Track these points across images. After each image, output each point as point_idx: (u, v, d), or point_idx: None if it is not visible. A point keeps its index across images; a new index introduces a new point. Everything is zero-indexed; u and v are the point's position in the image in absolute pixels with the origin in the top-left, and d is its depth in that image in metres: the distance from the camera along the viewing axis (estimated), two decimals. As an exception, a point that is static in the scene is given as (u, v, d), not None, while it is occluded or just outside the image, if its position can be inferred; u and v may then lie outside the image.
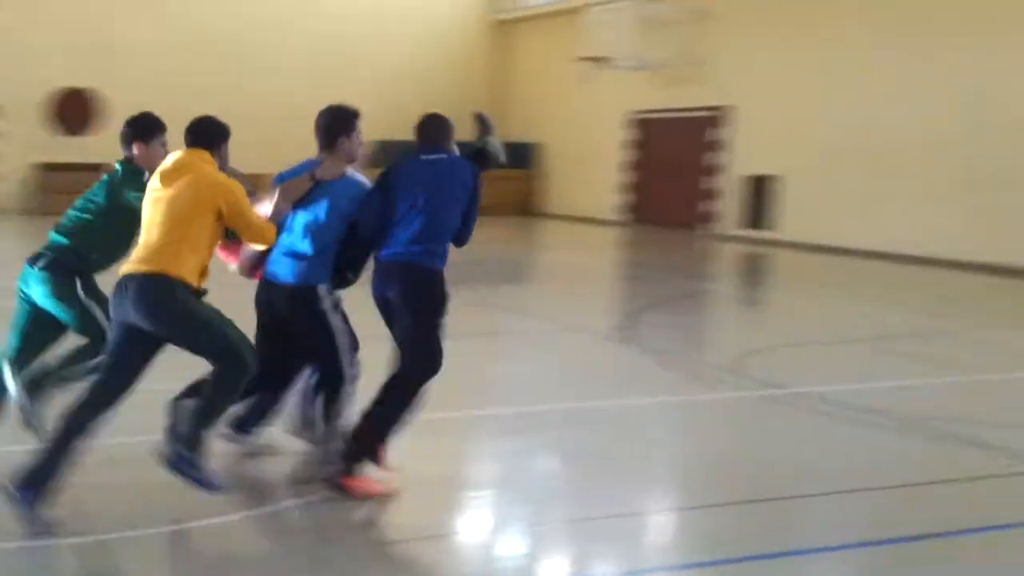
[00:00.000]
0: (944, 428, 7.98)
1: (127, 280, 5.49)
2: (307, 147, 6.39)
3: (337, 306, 6.17)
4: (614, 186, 26.59)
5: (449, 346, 6.15)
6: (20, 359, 6.30)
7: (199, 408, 5.57)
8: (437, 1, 29.44)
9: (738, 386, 9.27)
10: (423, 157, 6.25)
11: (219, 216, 5.59)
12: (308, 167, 6.16)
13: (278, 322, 6.17)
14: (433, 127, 6.35)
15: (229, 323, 5.57)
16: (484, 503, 6.30)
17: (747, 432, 7.96)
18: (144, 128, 6.27)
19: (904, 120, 19.45)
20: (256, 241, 5.83)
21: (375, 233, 6.13)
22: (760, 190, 22.66)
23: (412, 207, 6.08)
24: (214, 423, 5.66)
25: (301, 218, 6.10)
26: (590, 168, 27.36)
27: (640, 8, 23.14)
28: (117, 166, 6.28)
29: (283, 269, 6.10)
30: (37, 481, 5.29)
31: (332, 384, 6.15)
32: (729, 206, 23.48)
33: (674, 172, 24.84)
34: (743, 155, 23.06)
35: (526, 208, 28.90)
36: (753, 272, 19.88)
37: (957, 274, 17.76)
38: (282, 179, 6.20)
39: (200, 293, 5.61)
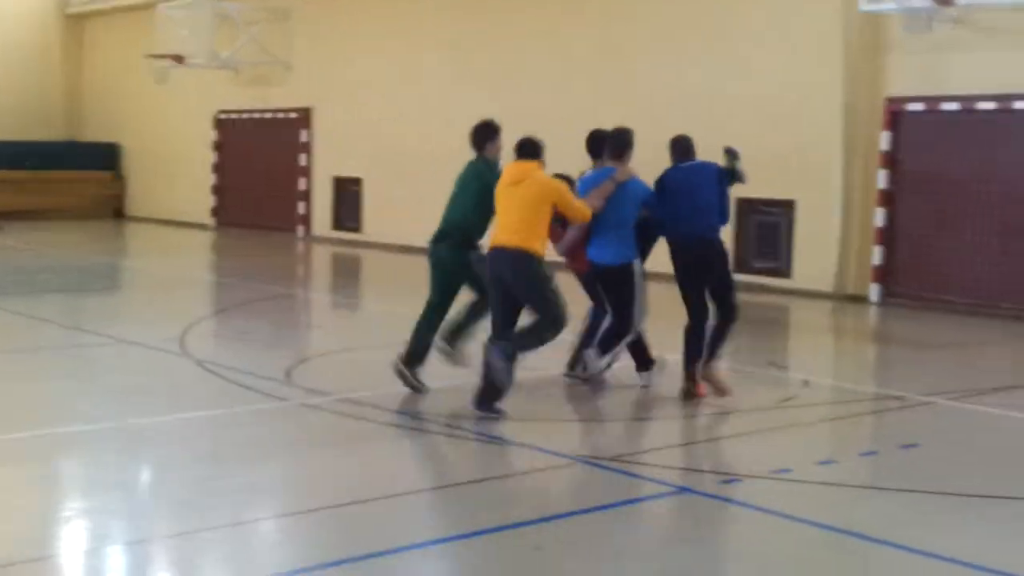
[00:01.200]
0: (483, 428, 8.12)
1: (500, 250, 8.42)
2: None
3: (644, 275, 9.01)
4: (202, 188, 25.81)
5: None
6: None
7: (518, 336, 8.38)
8: (3, -8, 27.50)
9: (282, 395, 9.06)
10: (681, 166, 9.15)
11: (553, 205, 8.43)
12: (607, 173, 8.89)
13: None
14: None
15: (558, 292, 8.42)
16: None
17: (290, 441, 7.76)
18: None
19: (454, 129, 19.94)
20: (578, 221, 8.67)
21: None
22: (345, 192, 22.70)
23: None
24: (523, 352, 8.35)
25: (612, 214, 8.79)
26: (176, 170, 26.40)
27: (216, 5, 22.51)
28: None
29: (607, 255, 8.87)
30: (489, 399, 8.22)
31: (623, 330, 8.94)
32: (317, 208, 23.35)
33: (262, 174, 24.40)
34: (327, 157, 23.00)
35: (108, 211, 27.52)
36: (336, 274, 19.83)
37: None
38: (585, 183, 9.05)
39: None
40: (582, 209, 8.60)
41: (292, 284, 18.00)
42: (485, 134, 9.16)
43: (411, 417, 8.42)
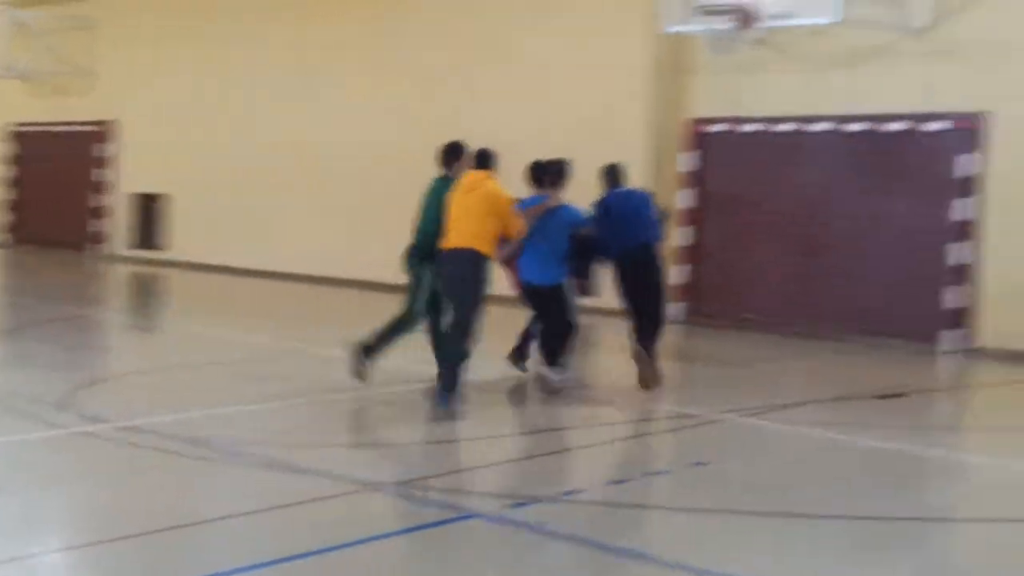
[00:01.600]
0: (272, 454, 7.78)
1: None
2: None
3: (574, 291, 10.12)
4: (-5, 204, 24.63)
5: None
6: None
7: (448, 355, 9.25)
8: None
9: (58, 423, 8.53)
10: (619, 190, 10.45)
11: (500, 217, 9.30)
12: (541, 199, 10.00)
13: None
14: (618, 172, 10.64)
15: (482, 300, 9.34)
16: None
17: (61, 472, 7.28)
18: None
19: (291, 142, 19.58)
20: (511, 236, 9.40)
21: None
22: (149, 208, 21.93)
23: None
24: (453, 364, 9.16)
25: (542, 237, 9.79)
26: (-31, 185, 25.13)
27: (11, 13, 21.49)
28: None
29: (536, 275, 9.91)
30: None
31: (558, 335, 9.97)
32: (118, 225, 22.48)
33: (59, 189, 23.38)
34: (130, 172, 22.19)
35: None
36: (136, 294, 19.10)
37: (343, 291, 18.09)
38: (522, 205, 9.77)
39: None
40: (517, 224, 9.46)
41: (88, 304, 17.22)
42: (452, 153, 9.84)
43: (194, 444, 8.01)
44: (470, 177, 9.48)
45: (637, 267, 10.25)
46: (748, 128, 14.96)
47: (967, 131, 13.25)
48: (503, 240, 9.49)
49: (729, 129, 15.14)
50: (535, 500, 6.95)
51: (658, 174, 15.51)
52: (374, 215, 18.48)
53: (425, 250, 9.62)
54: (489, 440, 8.56)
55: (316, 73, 19.32)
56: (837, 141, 14.32)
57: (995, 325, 13.08)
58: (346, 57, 19.03)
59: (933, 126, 13.51)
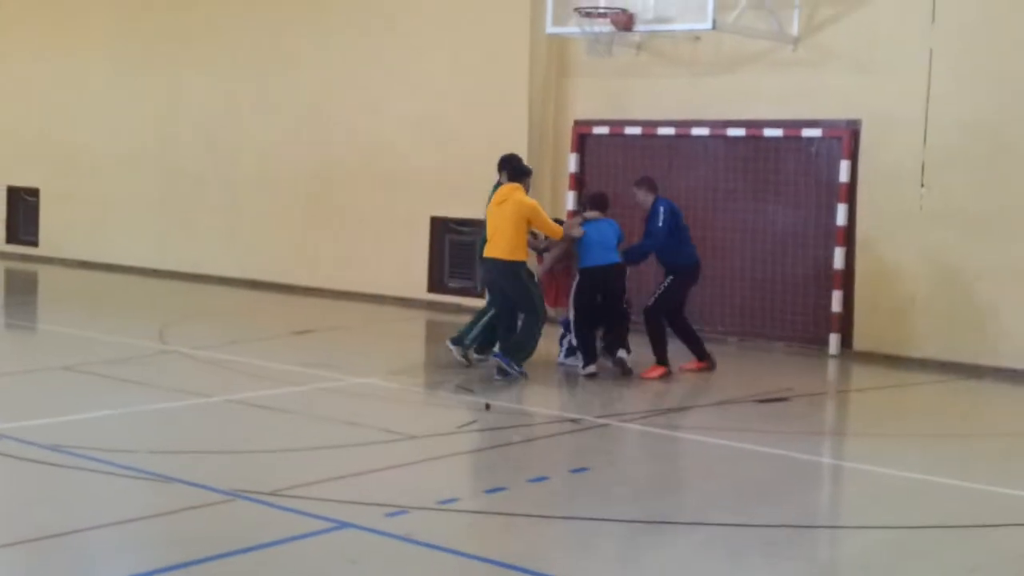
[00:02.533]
0: (141, 462, 7.51)
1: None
2: None
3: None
4: None
5: None
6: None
7: (516, 342, 10.98)
8: None
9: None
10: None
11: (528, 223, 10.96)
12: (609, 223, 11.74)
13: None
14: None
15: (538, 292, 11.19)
16: None
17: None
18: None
19: (155, 133, 19.20)
20: (552, 236, 11.29)
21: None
22: (20, 202, 21.21)
23: None
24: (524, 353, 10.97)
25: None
26: None
27: None
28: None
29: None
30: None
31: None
32: (-10, 219, 21.70)
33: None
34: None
35: None
36: (3, 291, 18.43)
37: (215, 288, 17.72)
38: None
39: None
40: (555, 227, 11.14)
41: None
42: (503, 165, 11.52)
43: (53, 451, 7.70)
44: (503, 190, 11.04)
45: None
46: (630, 131, 14.99)
47: (840, 138, 13.47)
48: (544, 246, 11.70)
49: (611, 132, 15.16)
50: (411, 508, 6.82)
51: (542, 176, 15.42)
52: (245, 211, 18.16)
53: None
54: (366, 447, 8.40)
55: (173, 56, 18.89)
56: (718, 146, 14.44)
57: (871, 330, 13.32)
58: (200, 36, 18.64)
59: (809, 132, 13.70)
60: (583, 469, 8.04)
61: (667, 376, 11.47)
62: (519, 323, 11.12)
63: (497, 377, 10.82)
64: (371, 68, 16.76)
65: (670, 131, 14.66)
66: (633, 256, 11.90)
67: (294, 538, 6.29)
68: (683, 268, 11.80)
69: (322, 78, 17.22)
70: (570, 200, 15.28)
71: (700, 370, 11.86)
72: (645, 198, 11.93)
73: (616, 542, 6.57)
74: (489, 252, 10.97)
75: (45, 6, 20.55)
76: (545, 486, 7.61)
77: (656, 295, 11.78)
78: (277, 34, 17.80)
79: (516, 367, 10.88)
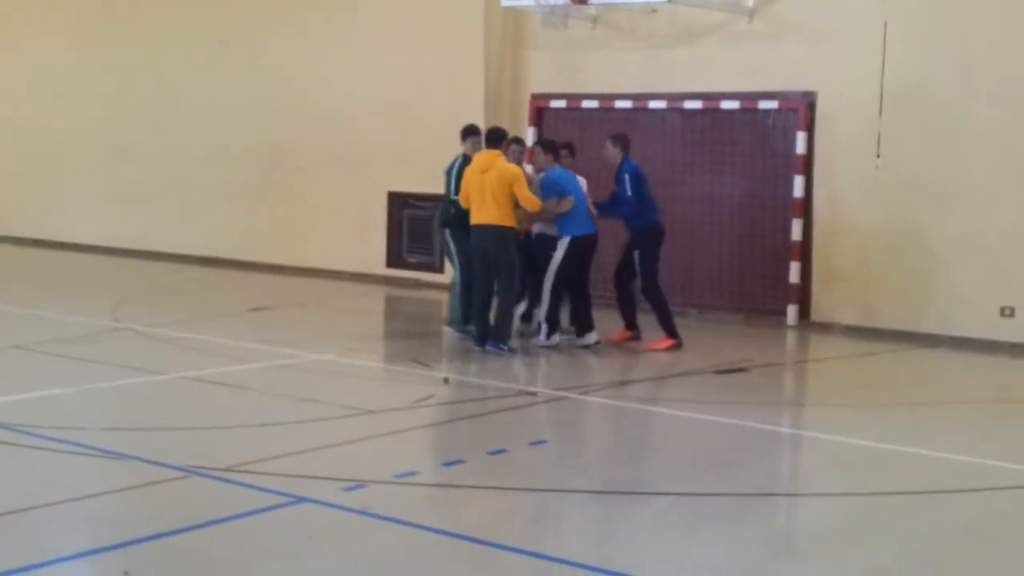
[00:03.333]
0: (97, 439, 7.41)
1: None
2: None
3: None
4: None
5: None
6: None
7: (498, 326, 11.06)
8: None
9: None
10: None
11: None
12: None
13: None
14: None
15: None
16: None
17: None
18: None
19: (84, 108, 19.06)
20: (527, 207, 11.04)
21: None
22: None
23: None
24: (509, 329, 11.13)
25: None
26: None
27: None
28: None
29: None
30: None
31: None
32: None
33: None
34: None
35: None
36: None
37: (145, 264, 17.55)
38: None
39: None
40: (532, 198, 10.94)
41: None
42: (466, 133, 11.90)
43: (4, 429, 7.58)
44: (485, 157, 11.00)
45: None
46: (587, 105, 14.94)
47: (796, 110, 13.48)
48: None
49: (568, 106, 15.10)
50: (369, 483, 6.77)
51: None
52: (198, 187, 17.99)
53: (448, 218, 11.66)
54: (323, 422, 8.33)
55: (122, 33, 18.68)
56: (675, 119, 14.42)
57: (828, 301, 13.38)
58: (149, 12, 18.46)
59: (765, 105, 13.71)
60: (542, 442, 8.02)
61: (676, 347, 11.53)
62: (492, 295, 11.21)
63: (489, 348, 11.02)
64: (326, 42, 16.61)
65: (627, 104, 14.62)
66: (605, 215, 11.90)
67: (250, 513, 6.23)
68: (646, 230, 11.71)
69: (276, 52, 17.05)
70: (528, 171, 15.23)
71: (623, 340, 11.86)
72: (614, 155, 11.84)
73: (575, 513, 6.56)
74: (480, 219, 10.94)
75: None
76: (504, 459, 7.58)
77: (640, 272, 11.72)
78: (229, 9, 17.59)
79: (506, 345, 10.96)
